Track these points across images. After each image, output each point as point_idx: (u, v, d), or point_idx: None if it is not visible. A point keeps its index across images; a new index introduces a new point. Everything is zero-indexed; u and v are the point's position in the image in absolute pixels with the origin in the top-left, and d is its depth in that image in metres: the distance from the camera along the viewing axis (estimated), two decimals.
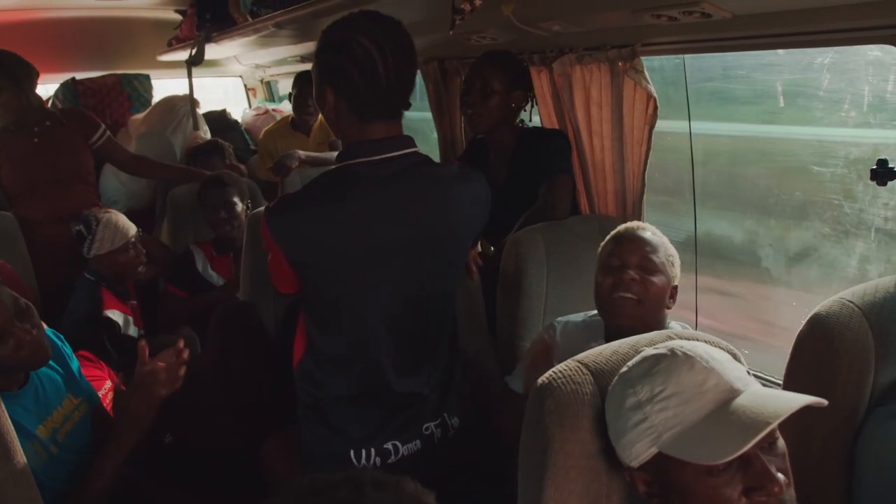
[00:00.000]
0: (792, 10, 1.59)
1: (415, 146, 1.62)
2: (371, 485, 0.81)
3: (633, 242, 1.74)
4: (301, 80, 3.93)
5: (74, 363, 1.93)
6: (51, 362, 1.82)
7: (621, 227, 1.81)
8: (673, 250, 1.78)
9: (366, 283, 1.59)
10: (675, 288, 1.76)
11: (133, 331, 2.88)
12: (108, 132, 3.52)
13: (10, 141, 3.25)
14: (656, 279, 1.70)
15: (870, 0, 1.45)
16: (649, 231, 1.78)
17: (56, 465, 1.69)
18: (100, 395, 2.02)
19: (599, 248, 1.83)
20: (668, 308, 1.75)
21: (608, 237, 1.81)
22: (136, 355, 1.84)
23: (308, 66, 2.36)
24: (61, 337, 1.95)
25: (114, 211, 2.93)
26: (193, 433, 2.31)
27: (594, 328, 1.84)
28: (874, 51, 2.10)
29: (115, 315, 2.82)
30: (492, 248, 2.33)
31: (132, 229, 2.89)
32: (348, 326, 1.63)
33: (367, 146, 1.56)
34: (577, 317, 1.93)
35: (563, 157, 2.40)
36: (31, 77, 3.23)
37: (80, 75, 4.60)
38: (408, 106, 1.61)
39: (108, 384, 2.21)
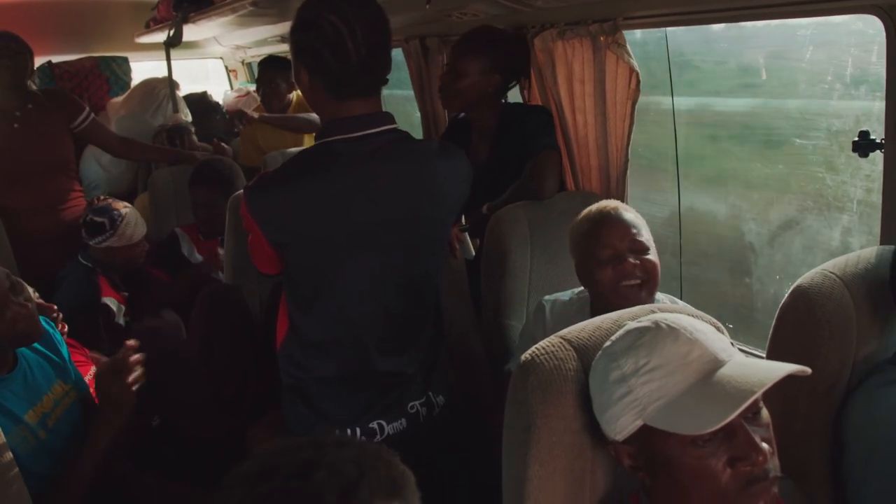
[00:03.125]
0: None
1: (394, 122, 1.60)
2: (333, 444, 0.84)
3: (619, 226, 1.71)
4: (259, 68, 3.92)
5: (65, 350, 1.93)
6: (41, 348, 1.82)
7: (595, 210, 1.76)
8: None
9: (347, 262, 1.58)
10: None
11: (122, 320, 2.88)
12: (93, 114, 3.43)
13: None
14: (651, 257, 1.70)
15: None
16: (629, 212, 1.76)
17: (45, 451, 1.68)
18: (87, 381, 2.00)
19: (573, 230, 1.79)
20: None
21: (583, 221, 1.77)
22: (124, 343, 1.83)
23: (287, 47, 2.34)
24: (52, 324, 1.95)
25: (131, 207, 2.95)
26: (179, 419, 2.30)
27: (581, 306, 1.84)
28: (856, 22, 2.09)
29: (112, 302, 2.83)
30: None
31: (145, 227, 2.95)
32: (330, 307, 1.62)
33: (345, 123, 1.55)
34: (564, 295, 1.92)
35: (546, 133, 2.38)
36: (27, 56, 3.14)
37: (56, 58, 4.52)
38: (385, 82, 1.59)
39: (93, 370, 2.19)
